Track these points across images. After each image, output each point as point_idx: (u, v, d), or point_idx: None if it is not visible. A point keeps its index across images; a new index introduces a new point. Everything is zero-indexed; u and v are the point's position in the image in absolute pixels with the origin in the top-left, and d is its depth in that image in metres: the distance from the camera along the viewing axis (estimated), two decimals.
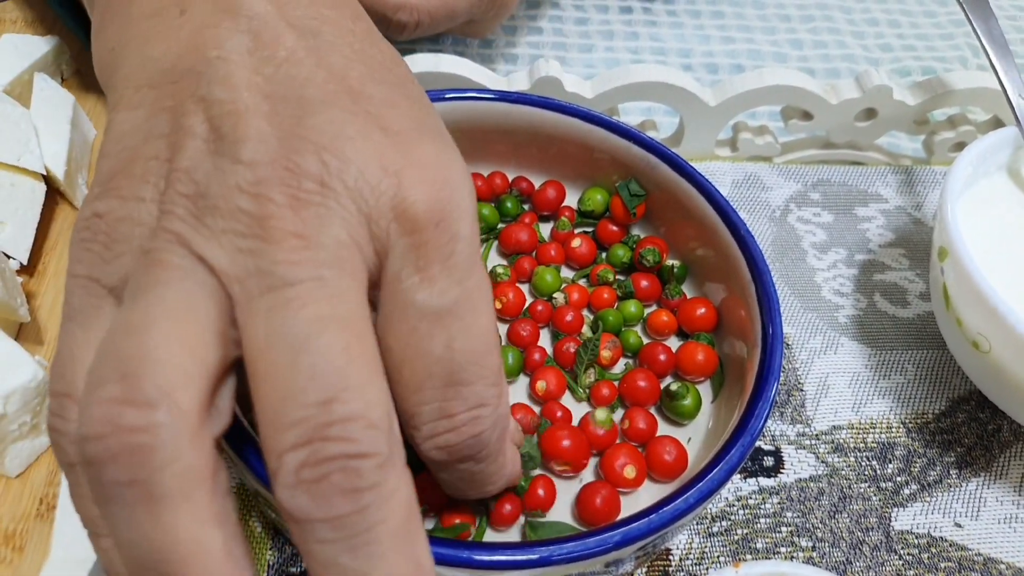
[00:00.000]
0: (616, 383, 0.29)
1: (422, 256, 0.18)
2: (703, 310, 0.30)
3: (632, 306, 0.31)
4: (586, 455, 0.26)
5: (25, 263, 0.30)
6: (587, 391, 0.29)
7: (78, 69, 0.38)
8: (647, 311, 0.31)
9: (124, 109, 0.18)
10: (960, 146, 0.39)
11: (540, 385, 0.28)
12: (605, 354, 0.29)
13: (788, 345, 0.32)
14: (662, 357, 0.29)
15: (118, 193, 0.17)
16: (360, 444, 0.15)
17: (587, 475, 0.27)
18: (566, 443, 0.26)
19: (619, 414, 0.28)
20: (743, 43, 0.48)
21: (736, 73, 0.45)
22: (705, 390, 0.29)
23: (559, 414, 0.27)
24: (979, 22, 0.34)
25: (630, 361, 0.30)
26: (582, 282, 0.32)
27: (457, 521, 0.24)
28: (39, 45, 0.36)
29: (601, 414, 0.27)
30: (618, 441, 0.27)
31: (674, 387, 0.28)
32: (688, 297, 0.31)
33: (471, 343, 0.18)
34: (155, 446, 0.15)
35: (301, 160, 0.17)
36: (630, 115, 0.42)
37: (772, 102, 0.36)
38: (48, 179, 0.32)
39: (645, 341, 0.30)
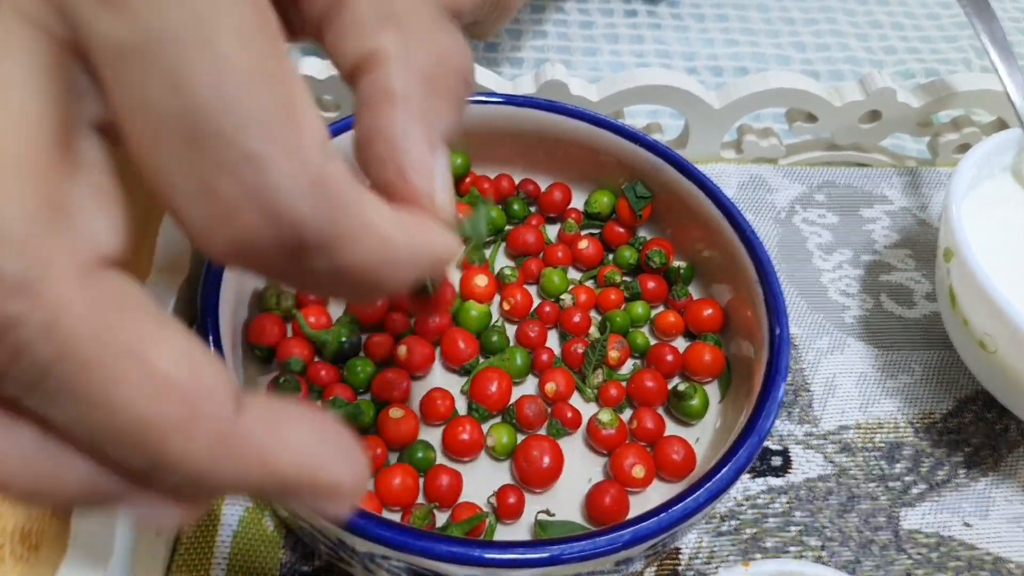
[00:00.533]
0: (624, 383, 0.29)
1: None
2: (710, 311, 0.30)
3: (639, 307, 0.31)
4: (554, 476, 0.26)
5: None
6: (595, 391, 0.29)
7: None
8: (654, 312, 0.31)
9: None
10: (964, 148, 0.39)
11: (549, 387, 0.28)
12: (613, 355, 0.29)
13: (795, 345, 0.33)
14: (669, 358, 0.29)
15: None
16: (15, 315, 0.11)
17: (596, 475, 0.27)
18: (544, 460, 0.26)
19: (627, 414, 0.28)
20: (747, 46, 0.49)
21: (740, 76, 0.45)
22: (712, 390, 0.29)
23: (568, 415, 0.27)
24: (982, 24, 0.34)
25: (638, 362, 0.30)
26: (589, 283, 0.32)
27: (471, 514, 0.25)
28: None
29: (605, 416, 0.27)
30: (627, 441, 0.27)
31: (682, 387, 0.28)
32: (695, 298, 0.31)
33: (215, 76, 0.12)
34: None
35: None
36: (635, 118, 0.43)
37: (776, 104, 0.37)
38: None
39: (652, 342, 0.30)
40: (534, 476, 0.26)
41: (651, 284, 0.31)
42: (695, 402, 0.28)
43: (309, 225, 0.13)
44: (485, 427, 0.27)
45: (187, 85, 0.12)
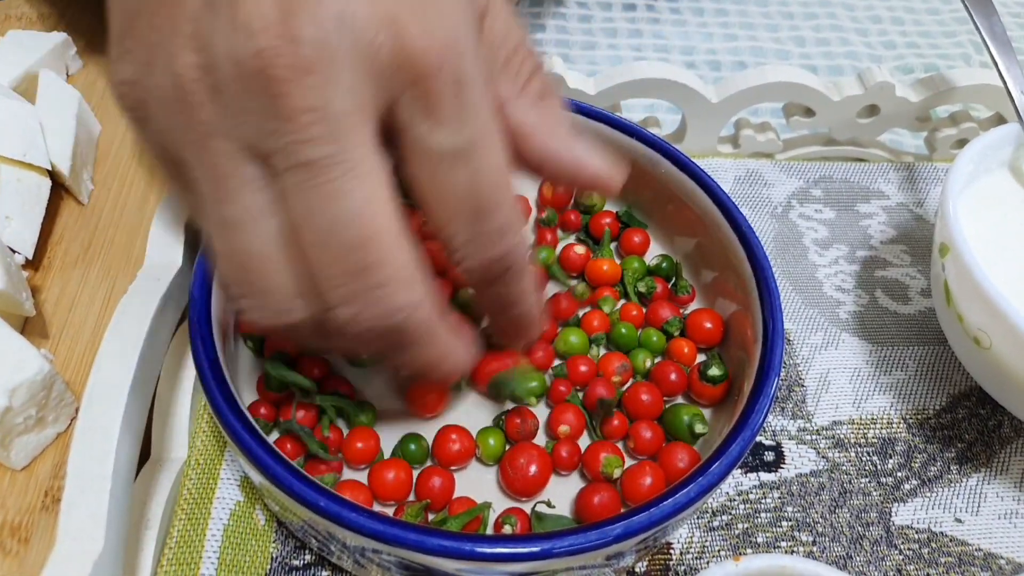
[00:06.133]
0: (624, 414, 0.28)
1: (431, 103, 0.18)
2: (710, 324, 0.29)
3: (653, 335, 0.30)
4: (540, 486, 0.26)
5: (30, 257, 0.30)
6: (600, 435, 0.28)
7: (84, 65, 0.38)
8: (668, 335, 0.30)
9: None
10: (962, 143, 0.39)
11: (563, 429, 0.27)
12: (615, 379, 0.28)
13: (789, 341, 0.32)
14: (673, 377, 0.28)
15: (132, 52, 0.19)
16: (395, 299, 0.19)
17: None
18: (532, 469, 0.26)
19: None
20: (746, 40, 0.48)
21: (739, 70, 0.45)
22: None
23: (564, 453, 0.26)
24: (982, 19, 0.34)
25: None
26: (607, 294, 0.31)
27: (467, 508, 0.25)
28: (45, 41, 0.36)
29: (612, 465, 0.26)
30: (631, 461, 0.27)
31: (712, 371, 0.28)
32: (696, 292, 0.31)
33: (491, 176, 0.20)
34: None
35: (296, 24, 0.17)
36: (633, 112, 0.42)
37: (774, 99, 0.36)
38: (53, 174, 0.32)
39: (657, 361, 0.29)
40: (520, 484, 0.25)
41: (663, 311, 0.30)
42: (719, 372, 0.28)
43: (517, 264, 0.22)
44: (473, 430, 0.27)
45: (479, 179, 0.20)
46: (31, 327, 0.29)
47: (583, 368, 0.28)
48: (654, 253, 0.33)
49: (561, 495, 0.26)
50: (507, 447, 0.27)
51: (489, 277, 0.22)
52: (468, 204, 0.20)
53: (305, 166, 0.18)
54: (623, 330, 0.29)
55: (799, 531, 0.27)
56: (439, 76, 0.18)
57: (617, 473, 0.26)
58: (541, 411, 0.28)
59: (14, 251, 0.29)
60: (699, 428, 0.26)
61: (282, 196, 0.18)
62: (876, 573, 0.27)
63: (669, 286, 0.32)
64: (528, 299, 0.24)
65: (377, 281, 0.19)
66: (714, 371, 0.28)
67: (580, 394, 0.28)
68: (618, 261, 0.32)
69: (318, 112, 0.17)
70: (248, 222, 0.19)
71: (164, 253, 0.27)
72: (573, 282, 0.32)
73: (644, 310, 0.31)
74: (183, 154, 0.19)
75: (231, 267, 0.19)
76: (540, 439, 0.27)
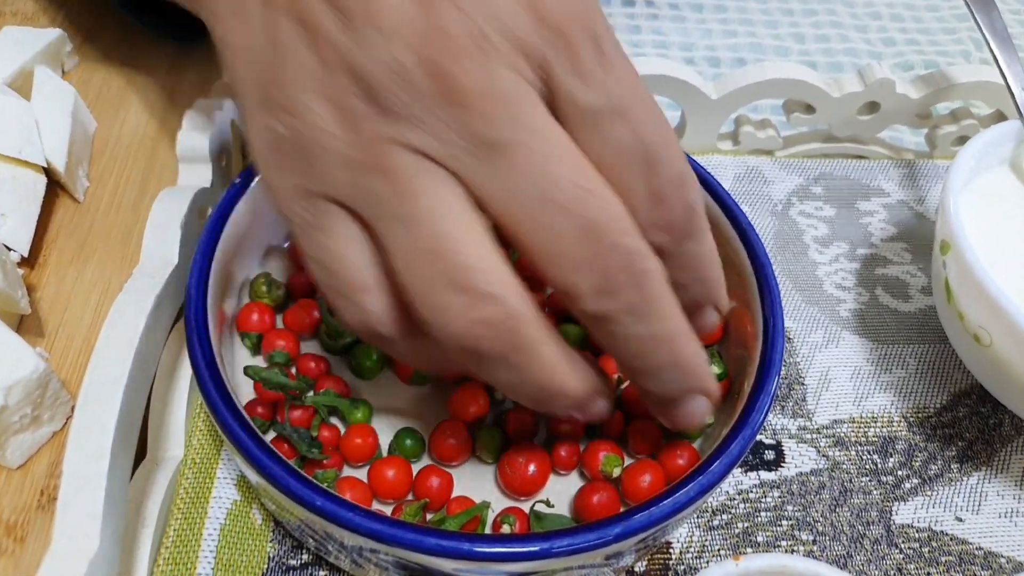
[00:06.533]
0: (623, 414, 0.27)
1: (578, 62, 0.18)
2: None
3: None
4: (539, 485, 0.26)
5: (26, 255, 0.30)
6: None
7: (80, 62, 0.38)
8: None
9: (234, 21, 0.19)
10: (963, 140, 0.39)
11: (564, 428, 0.27)
12: (615, 376, 0.28)
13: (789, 339, 0.32)
14: None
15: (283, 106, 0.18)
16: (637, 249, 0.19)
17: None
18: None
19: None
20: (745, 37, 0.48)
21: (738, 67, 0.45)
22: None
23: (563, 453, 0.26)
24: (982, 15, 0.34)
25: None
26: None
27: (465, 508, 0.24)
28: (40, 37, 0.36)
29: (611, 464, 0.26)
30: (630, 461, 0.26)
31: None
32: None
33: (656, 128, 0.19)
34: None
35: (441, 18, 0.17)
36: None
37: (774, 95, 0.36)
38: (49, 172, 0.32)
39: None
40: (518, 483, 0.25)
41: None
42: (718, 370, 0.28)
43: (699, 219, 0.21)
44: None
45: (642, 131, 0.19)
46: (26, 325, 0.29)
47: None
48: None
49: (560, 494, 0.26)
50: (506, 446, 0.27)
51: (678, 236, 0.20)
52: (637, 155, 0.19)
53: (493, 150, 0.17)
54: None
55: (799, 530, 0.27)
56: (580, 32, 0.18)
57: (616, 472, 0.25)
58: None
59: (9, 249, 0.29)
60: (708, 418, 0.26)
61: (472, 186, 0.18)
62: (876, 572, 0.26)
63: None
64: (712, 274, 0.22)
65: (630, 248, 0.18)
66: (713, 369, 0.27)
67: None
68: None
69: (488, 90, 0.17)
70: (442, 211, 0.18)
71: (160, 251, 0.27)
72: None
73: None
74: (355, 184, 0.18)
75: (429, 268, 0.18)
76: (539, 437, 0.27)
